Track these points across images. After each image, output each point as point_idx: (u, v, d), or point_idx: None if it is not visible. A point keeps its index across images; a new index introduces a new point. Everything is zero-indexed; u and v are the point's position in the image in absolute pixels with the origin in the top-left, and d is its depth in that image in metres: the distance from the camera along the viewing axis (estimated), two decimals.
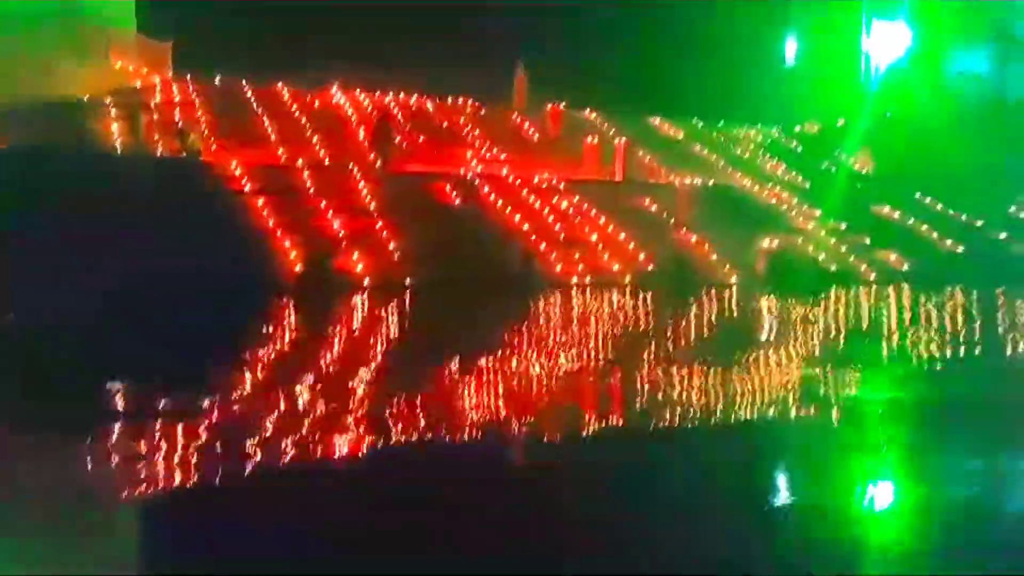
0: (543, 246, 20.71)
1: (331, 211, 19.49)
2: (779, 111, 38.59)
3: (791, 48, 42.37)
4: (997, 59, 46.26)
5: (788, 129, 36.91)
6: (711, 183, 27.79)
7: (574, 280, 19.71)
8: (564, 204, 23.34)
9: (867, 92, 38.87)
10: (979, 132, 33.38)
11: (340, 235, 18.76)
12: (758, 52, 41.91)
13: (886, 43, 38.78)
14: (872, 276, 23.82)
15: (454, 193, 22.07)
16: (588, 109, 32.68)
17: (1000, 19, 44.90)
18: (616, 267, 20.74)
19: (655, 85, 41.40)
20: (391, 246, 18.78)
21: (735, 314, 17.24)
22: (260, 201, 19.05)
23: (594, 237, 21.94)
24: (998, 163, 31.58)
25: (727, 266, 21.99)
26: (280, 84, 27.63)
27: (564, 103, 30.66)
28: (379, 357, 10.07)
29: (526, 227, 21.41)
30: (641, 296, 18.80)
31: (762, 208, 26.76)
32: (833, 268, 23.70)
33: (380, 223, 19.54)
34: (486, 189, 22.88)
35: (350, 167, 21.97)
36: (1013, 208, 31.19)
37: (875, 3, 40.00)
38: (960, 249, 26.54)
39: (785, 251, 22.38)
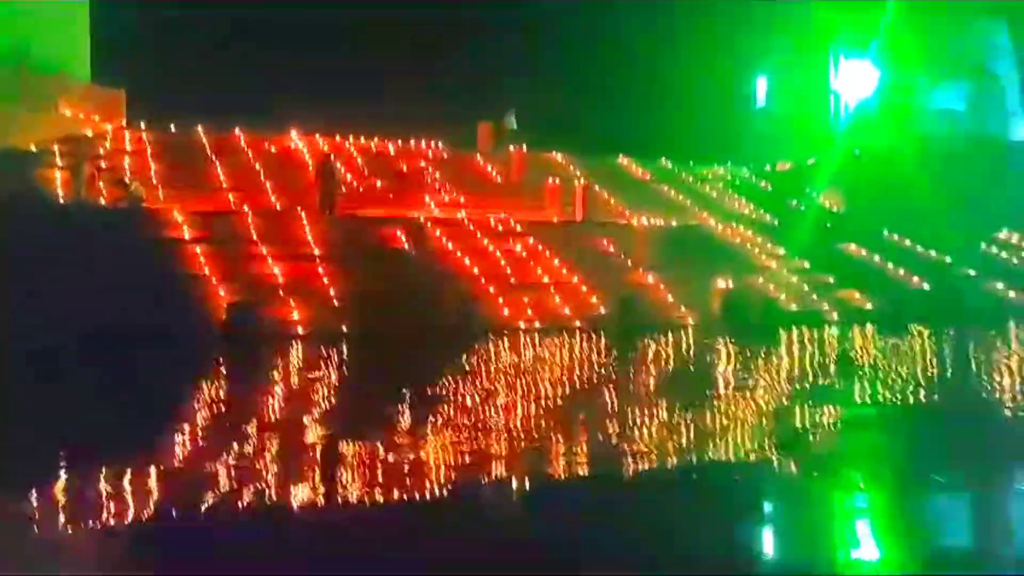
0: (492, 290, 20.26)
1: (271, 257, 19.07)
2: (750, 151, 38.63)
3: (762, 88, 42.48)
4: (973, 96, 46.49)
5: (758, 168, 36.81)
6: (674, 223, 27.50)
7: (521, 325, 19.21)
8: (518, 247, 22.97)
9: (837, 130, 38.81)
10: (952, 169, 33.21)
11: (279, 282, 18.32)
12: (728, 93, 42.11)
13: (854, 81, 38.84)
14: (834, 316, 23.36)
15: (404, 237, 21.68)
16: (554, 151, 32.57)
17: (975, 56, 45.21)
18: (567, 310, 20.27)
19: (624, 127, 41.58)
20: (331, 293, 18.32)
21: (689, 357, 16.69)
22: (198, 249, 18.62)
23: (546, 279, 21.53)
24: (971, 200, 31.36)
25: (683, 307, 21.54)
26: (237, 130, 27.43)
27: (526, 145, 30.46)
28: (307, 409, 9.48)
29: (476, 271, 20.99)
30: (592, 340, 18.31)
31: (726, 248, 26.38)
32: (793, 307, 23.27)
33: (322, 269, 19.11)
34: (438, 232, 22.51)
35: (299, 212, 21.61)
36: (984, 245, 30.90)
37: (843, 42, 40.13)
38: (926, 287, 26.14)
39: (741, 291, 21.92)
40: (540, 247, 23.13)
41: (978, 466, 6.42)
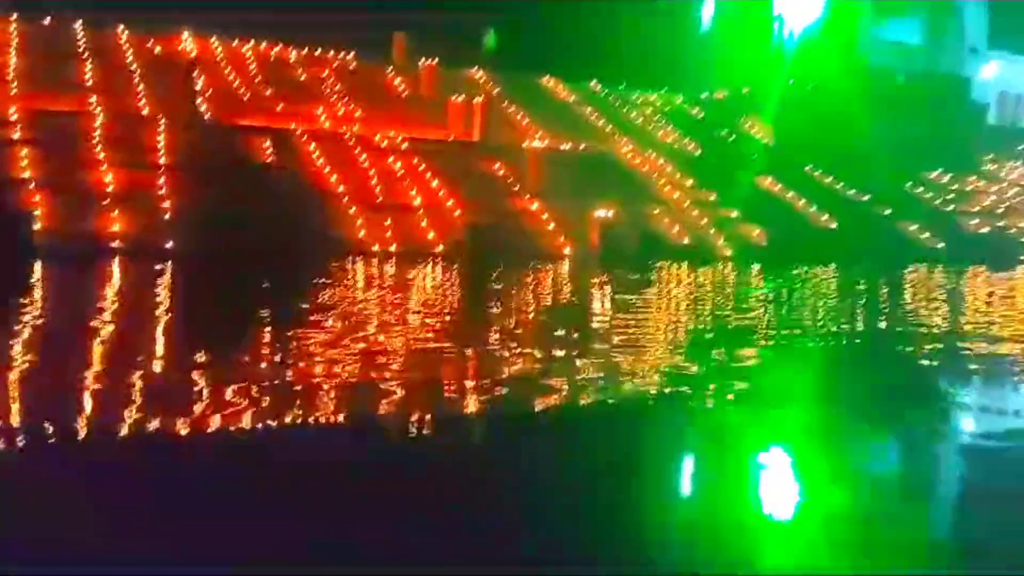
0: (353, 210, 19.09)
1: (107, 164, 17.74)
2: (693, 76, 37.07)
3: (707, 12, 40.61)
4: (930, 30, 44.82)
5: (693, 96, 35.37)
6: (582, 148, 26.21)
7: (375, 248, 18.11)
8: (398, 165, 21.70)
9: (777, 58, 37.20)
10: (895, 105, 31.98)
11: (108, 191, 17.04)
12: (673, 15, 40.23)
13: (799, 7, 37.07)
14: (727, 252, 22.42)
15: (271, 150, 20.36)
16: (476, 68, 31.00)
17: None
18: (431, 235, 19.15)
19: (564, 48, 39.80)
20: (166, 205, 17.08)
21: (554, 288, 15.60)
22: (24, 151, 17.27)
23: (418, 202, 20.34)
24: (911, 137, 30.24)
25: (563, 237, 20.49)
26: (121, 28, 25.66)
27: (438, 60, 28.86)
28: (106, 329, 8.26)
29: (342, 189, 19.77)
30: (448, 267, 17.26)
31: (632, 176, 25.25)
32: (685, 242, 22.28)
33: (164, 180, 17.83)
34: (312, 147, 21.19)
35: (157, 118, 20.20)
36: (910, 184, 29.90)
37: None
38: (834, 226, 25.19)
39: (625, 222, 20.85)
40: (423, 167, 21.88)
41: (873, 407, 5.84)
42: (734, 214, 24.22)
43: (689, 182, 25.82)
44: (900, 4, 42.04)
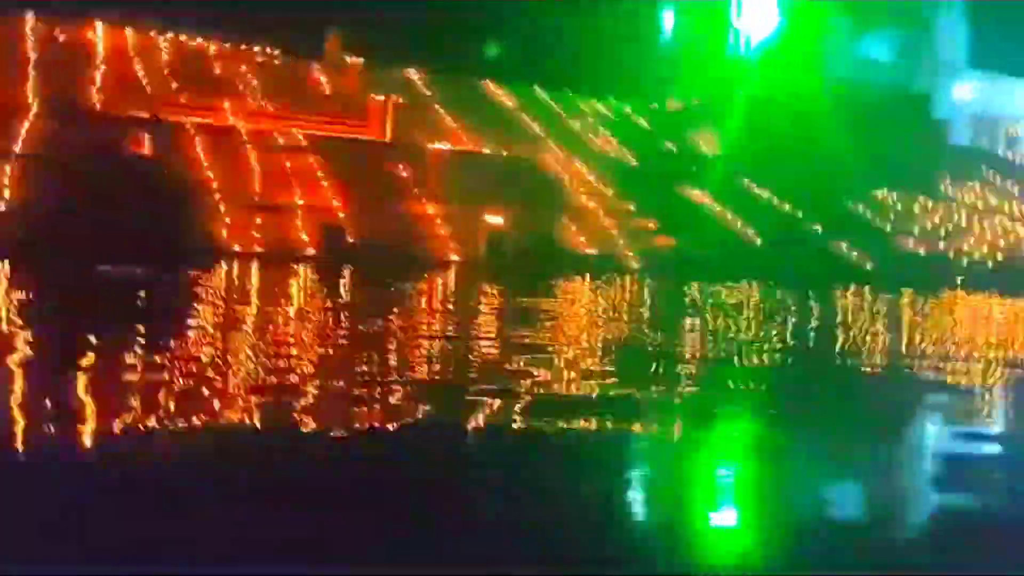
0: (222, 208, 18.14)
1: None
2: (647, 86, 36.17)
3: (668, 22, 39.68)
4: (904, 49, 43.82)
5: (641, 105, 34.42)
6: (504, 154, 25.27)
7: (235, 248, 17.13)
8: (287, 164, 20.77)
9: (734, 71, 36.24)
10: (858, 121, 30.97)
11: None
12: (635, 24, 39.32)
13: (756, 21, 36.12)
14: (633, 264, 21.38)
15: (148, 142, 19.43)
16: (415, 69, 30.15)
17: (909, 7, 42.50)
18: (304, 236, 18.18)
19: (529, 56, 39.04)
20: (3, 195, 16.17)
21: (440, 297, 14.41)
22: None
23: (300, 201, 19.37)
24: (867, 155, 29.23)
25: (453, 243, 19.50)
26: (30, 15, 24.87)
27: (369, 58, 28.01)
28: None
29: (216, 185, 18.83)
30: (311, 272, 16.23)
31: (549, 184, 24.23)
32: (592, 252, 21.26)
33: (9, 169, 16.92)
34: (197, 140, 20.27)
35: (31, 105, 19.33)
36: (853, 203, 28.83)
37: None
38: (759, 241, 24.14)
39: (518, 230, 19.82)
40: (318, 166, 20.94)
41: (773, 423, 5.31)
42: (651, 225, 23.20)
43: (610, 191, 24.78)
44: (873, 20, 41.10)
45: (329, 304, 11.63)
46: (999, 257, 26.55)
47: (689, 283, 18.77)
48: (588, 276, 19.20)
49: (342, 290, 13.85)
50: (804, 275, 21.48)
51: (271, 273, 15.36)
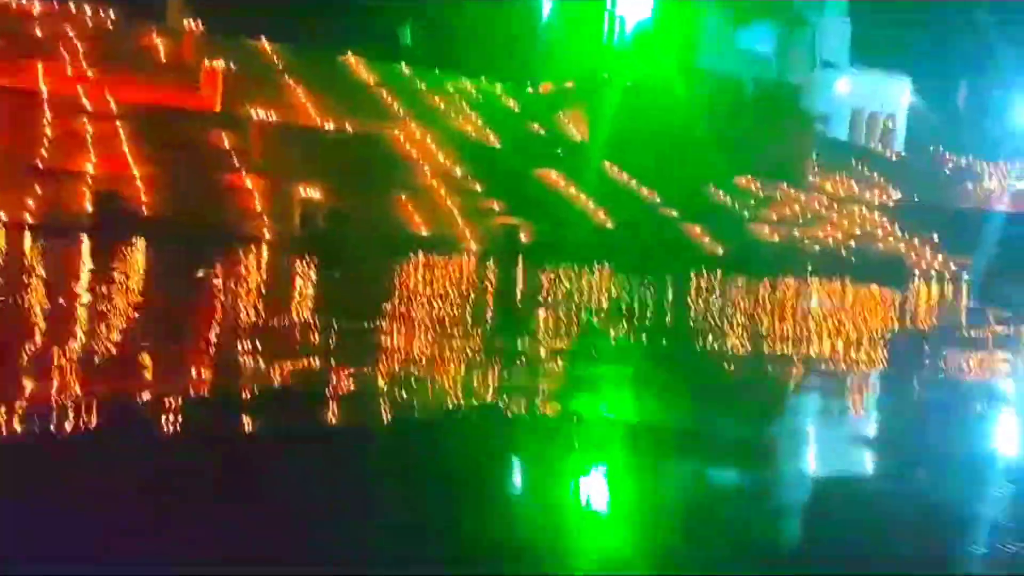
0: None
1: None
2: (522, 67, 35.22)
3: (545, 5, 38.81)
4: (783, 43, 44.15)
5: (513, 87, 33.43)
6: (349, 129, 23.87)
7: (2, 216, 15.35)
8: (90, 129, 18.96)
9: (608, 55, 35.63)
10: (729, 110, 30.65)
11: None
12: (507, 5, 38.30)
13: (631, 7, 35.57)
14: (471, 245, 20.33)
15: None
16: (264, 39, 28.43)
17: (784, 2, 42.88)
18: (87, 206, 16.47)
19: (410, 33, 37.77)
20: None
21: (242, 275, 13.01)
22: None
23: (91, 169, 17.64)
24: (736, 143, 28.88)
25: (265, 218, 18.05)
26: None
27: (210, 27, 26.20)
28: None
29: None
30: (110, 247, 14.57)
31: (392, 161, 22.95)
32: (424, 233, 20.11)
33: None
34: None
35: None
36: (713, 190, 28.43)
37: None
38: (610, 225, 23.40)
39: (349, 208, 18.49)
40: (124, 133, 19.19)
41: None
42: (496, 206, 22.19)
43: (460, 172, 23.68)
44: (752, 13, 41.17)
45: (106, 279, 10.24)
46: (853, 245, 26.54)
47: (537, 266, 18.00)
48: (421, 257, 18.16)
49: (122, 264, 12.40)
50: (654, 260, 20.84)
51: (51, 243, 13.80)
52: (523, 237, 21.27)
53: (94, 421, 3.80)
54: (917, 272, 25.83)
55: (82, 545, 2.53)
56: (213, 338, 6.63)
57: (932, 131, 42.63)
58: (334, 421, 4.19)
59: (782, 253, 24.02)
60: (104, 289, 9.08)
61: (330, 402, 4.51)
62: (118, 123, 19.42)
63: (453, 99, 30.52)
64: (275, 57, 27.65)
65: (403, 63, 31.33)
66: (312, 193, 18.13)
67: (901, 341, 10.08)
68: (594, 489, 3.47)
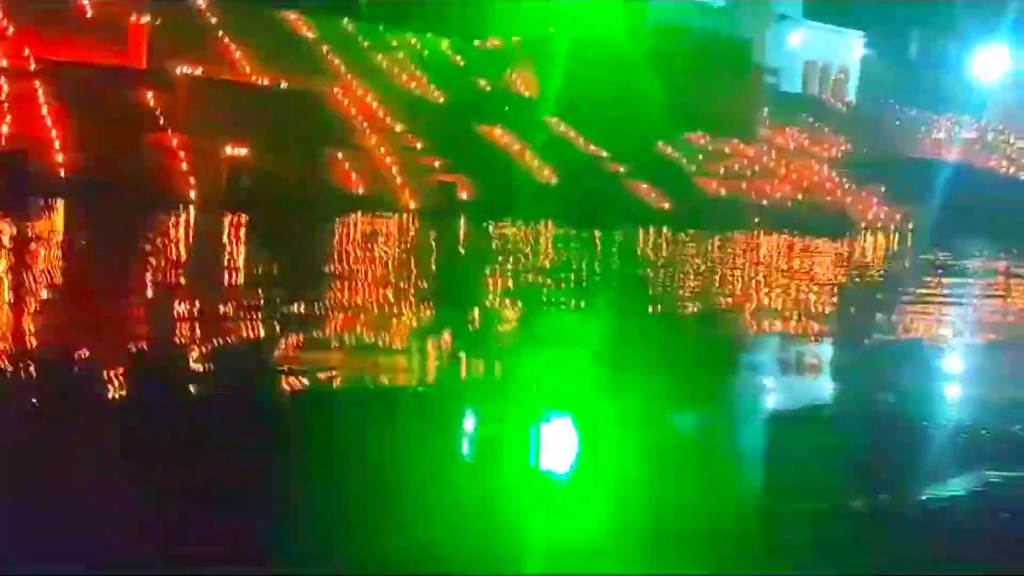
0: None
1: None
2: (470, 22, 34.42)
3: None
4: None
5: (460, 42, 32.69)
6: (283, 84, 23.14)
7: None
8: (6, 88, 18.12)
9: (556, 10, 34.89)
10: (680, 64, 30.19)
11: None
12: None
13: None
14: (410, 203, 19.88)
15: None
16: None
17: None
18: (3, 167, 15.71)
19: None
20: None
21: (162, 236, 12.48)
22: None
23: (5, 129, 16.85)
24: (686, 98, 28.52)
25: (192, 179, 17.42)
26: None
27: None
28: None
29: None
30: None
31: (327, 118, 22.29)
32: (360, 192, 19.61)
33: None
34: None
35: None
36: (662, 145, 28.12)
37: None
38: (554, 181, 23.04)
39: (281, 167, 17.88)
40: (42, 92, 18.36)
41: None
42: (437, 164, 21.69)
43: (400, 129, 23.10)
44: None
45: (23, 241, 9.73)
46: (801, 199, 26.48)
47: (480, 224, 17.72)
48: (357, 215, 17.76)
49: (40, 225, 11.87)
50: (600, 216, 20.58)
51: None
52: (464, 194, 20.83)
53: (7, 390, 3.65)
54: (864, 224, 25.88)
55: None
56: (136, 302, 6.38)
57: (884, 83, 42.65)
58: (267, 387, 4.03)
59: (729, 208, 23.85)
60: (19, 252, 8.65)
61: (261, 367, 4.33)
62: (36, 82, 18.54)
63: (397, 55, 29.77)
64: (209, 13, 26.65)
65: (346, 19, 30.43)
66: (241, 152, 17.46)
67: (849, 294, 10.10)
68: (548, 445, 3.40)
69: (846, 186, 28.23)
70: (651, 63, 28.87)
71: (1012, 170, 35.76)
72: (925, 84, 42.92)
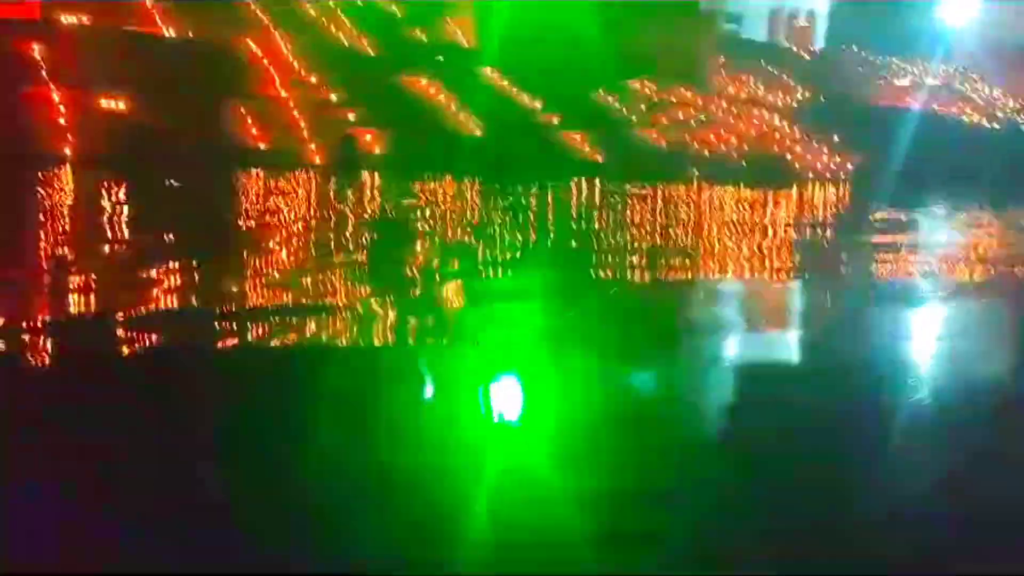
0: None
1: None
2: None
3: None
4: None
5: None
6: (192, 36, 21.82)
7: None
8: None
9: None
10: (627, 12, 28.82)
11: None
12: None
13: None
14: (316, 159, 18.77)
15: None
16: None
17: None
18: None
19: None
20: None
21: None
22: None
23: None
24: (631, 45, 27.25)
25: (70, 136, 16.26)
26: None
27: None
28: None
29: None
30: None
31: (236, 70, 21.02)
32: (262, 147, 18.47)
33: None
34: None
35: None
36: (601, 94, 26.88)
37: None
38: (479, 133, 21.90)
39: (176, 122, 16.65)
40: None
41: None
42: (351, 116, 20.51)
43: (316, 81, 21.86)
44: None
45: None
46: (747, 148, 25.40)
47: (397, 179, 16.73)
48: (260, 171, 16.73)
49: None
50: (528, 169, 19.54)
51: None
52: (377, 149, 19.70)
53: None
54: (812, 174, 24.86)
55: None
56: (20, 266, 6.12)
57: (849, 29, 41.31)
58: (160, 350, 3.97)
59: (667, 159, 22.78)
60: None
61: (152, 330, 4.21)
62: None
63: (327, 6, 28.35)
64: None
65: None
66: (130, 106, 16.29)
67: (799, 246, 9.67)
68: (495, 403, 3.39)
69: (796, 135, 27.13)
70: (593, 11, 27.56)
71: (977, 118, 34.63)
72: (892, 28, 41.56)
